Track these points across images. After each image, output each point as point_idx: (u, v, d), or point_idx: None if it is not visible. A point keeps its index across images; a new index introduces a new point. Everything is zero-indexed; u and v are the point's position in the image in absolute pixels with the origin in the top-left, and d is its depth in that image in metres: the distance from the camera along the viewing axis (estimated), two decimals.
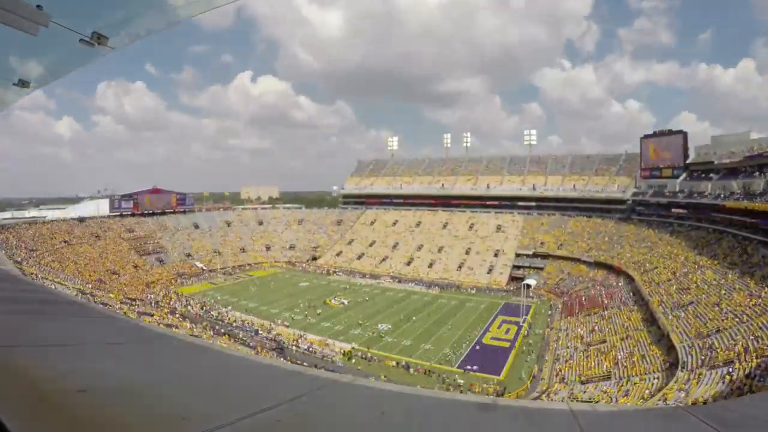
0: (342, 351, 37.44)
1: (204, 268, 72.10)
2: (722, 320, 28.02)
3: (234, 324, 44.53)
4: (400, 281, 66.42)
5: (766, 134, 53.13)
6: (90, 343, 3.26)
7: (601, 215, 72.87)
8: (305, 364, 33.55)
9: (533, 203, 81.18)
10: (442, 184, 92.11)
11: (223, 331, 41.47)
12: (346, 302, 53.34)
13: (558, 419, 2.10)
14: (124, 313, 34.75)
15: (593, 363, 31.52)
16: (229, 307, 50.39)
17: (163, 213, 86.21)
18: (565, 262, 64.08)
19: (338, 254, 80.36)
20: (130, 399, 1.96)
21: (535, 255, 68.27)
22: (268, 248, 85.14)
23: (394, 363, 35.29)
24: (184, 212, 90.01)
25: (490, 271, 66.00)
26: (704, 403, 18.66)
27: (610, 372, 29.38)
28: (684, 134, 64.40)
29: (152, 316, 39.51)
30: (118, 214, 79.36)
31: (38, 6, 3.68)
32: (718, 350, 24.52)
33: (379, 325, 44.71)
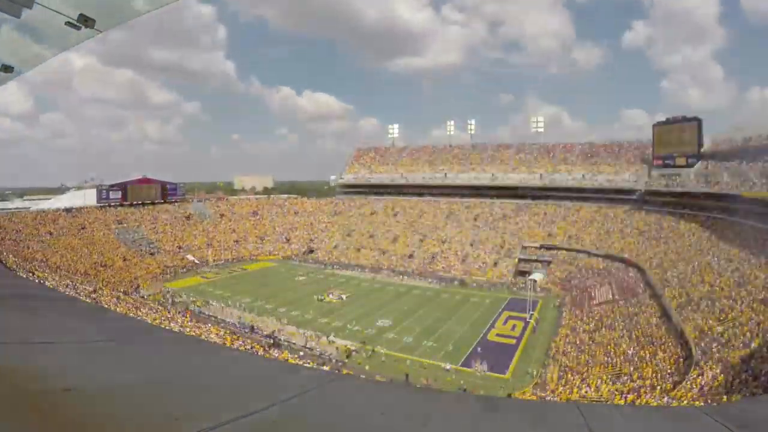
0: (340, 348, 37.58)
1: (196, 261, 72.26)
2: (739, 315, 28.06)
3: (227, 320, 44.69)
4: (401, 275, 66.56)
5: None
6: (76, 340, 3.26)
7: (611, 205, 72.71)
8: (302, 362, 33.70)
9: (540, 193, 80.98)
10: (446, 174, 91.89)
11: (215, 326, 41.60)
12: (344, 297, 53.48)
13: (566, 419, 2.10)
14: (113, 308, 34.84)
15: (603, 360, 31.62)
16: (222, 303, 50.52)
17: (153, 203, 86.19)
18: (574, 254, 64.08)
19: (336, 246, 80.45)
20: (118, 398, 1.96)
21: (542, 247, 68.27)
22: (262, 240, 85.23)
23: (395, 362, 35.41)
24: (175, 203, 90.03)
25: (495, 264, 66.07)
26: (719, 402, 18.76)
27: (620, 369, 29.49)
28: (698, 121, 64.08)
29: (142, 310, 39.60)
30: (106, 204, 79.32)
31: None
32: (735, 346, 24.58)
33: (379, 321, 44.87)
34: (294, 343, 38.60)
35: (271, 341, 38.83)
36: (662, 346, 30.43)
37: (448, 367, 33.95)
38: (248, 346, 35.04)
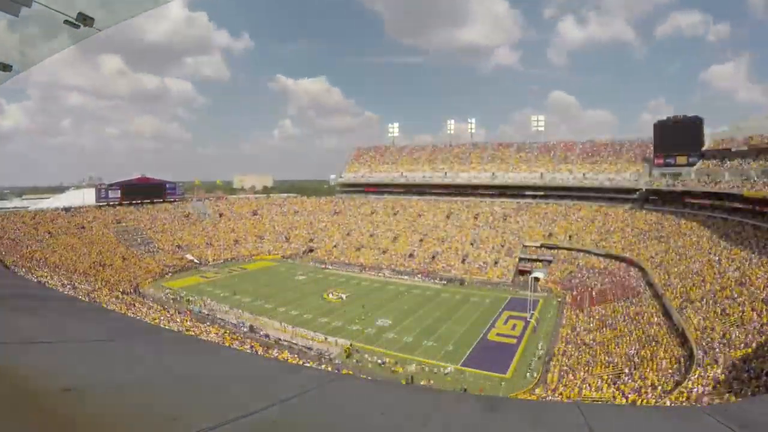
0: (340, 347, 37.60)
1: (195, 260, 72.28)
2: (740, 314, 28.08)
3: (226, 319, 44.70)
4: (401, 274, 66.59)
5: None
6: (75, 339, 3.27)
7: (612, 205, 72.77)
8: (302, 361, 33.72)
9: (541, 192, 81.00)
10: (446, 173, 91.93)
11: (215, 326, 41.63)
12: (344, 297, 53.52)
13: (567, 419, 2.10)
14: (112, 307, 34.87)
15: (604, 359, 31.65)
16: (222, 303, 50.55)
17: (152, 202, 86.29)
18: (575, 253, 64.10)
19: (336, 246, 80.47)
20: (117, 398, 1.96)
21: (543, 246, 68.30)
22: (262, 240, 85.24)
23: (394, 361, 35.41)
24: (174, 201, 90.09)
25: (495, 263, 66.07)
26: (721, 402, 18.77)
27: (621, 369, 29.51)
28: (699, 120, 64.16)
29: (141, 310, 39.62)
30: (105, 203, 79.37)
31: None
32: (737, 345, 24.59)
33: (379, 321, 44.88)
34: (293, 343, 38.55)
35: (270, 341, 38.90)
36: (663, 346, 30.46)
37: (448, 370, 33.81)
38: (248, 346, 35.12)
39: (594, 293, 48.52)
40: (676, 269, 42.70)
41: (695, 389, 21.46)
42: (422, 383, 31.40)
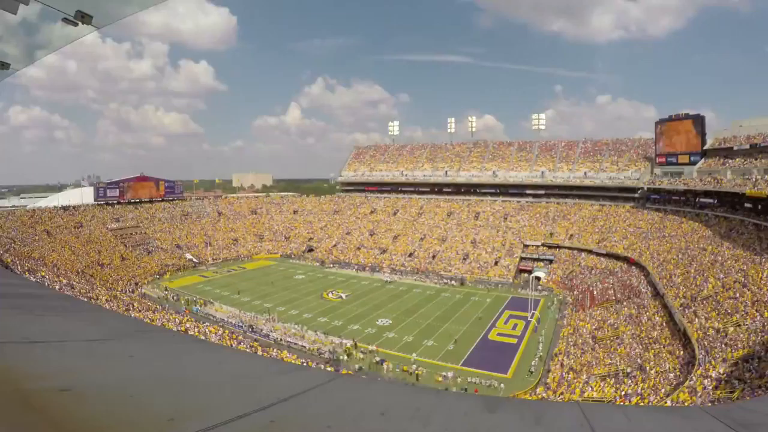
0: (341, 347, 37.62)
1: (194, 259, 72.30)
2: (743, 314, 28.08)
3: (225, 319, 44.71)
4: (401, 274, 66.60)
5: None
6: (73, 339, 3.27)
7: (614, 204, 72.78)
8: (301, 361, 33.74)
9: (542, 191, 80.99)
10: (446, 171, 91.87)
11: (214, 326, 41.63)
12: (344, 296, 53.53)
13: (568, 419, 2.10)
14: (110, 306, 34.86)
15: (605, 360, 31.67)
16: (221, 302, 50.56)
17: (151, 201, 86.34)
18: (576, 253, 64.12)
19: (335, 245, 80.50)
20: (114, 398, 1.96)
21: (544, 246, 68.30)
22: (261, 239, 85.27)
23: (394, 364, 35.42)
24: (173, 200, 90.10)
25: (496, 263, 66.09)
26: (722, 402, 18.79)
27: (622, 369, 29.52)
28: (701, 118, 64.06)
29: (140, 309, 39.63)
30: (104, 202, 79.35)
31: None
32: (739, 346, 24.60)
33: (379, 320, 44.90)
34: (292, 343, 38.59)
35: (270, 341, 38.94)
36: (665, 346, 30.47)
37: (450, 374, 33.58)
38: (247, 346, 35.12)
39: (595, 293, 48.55)
40: (677, 269, 42.67)
41: (697, 389, 21.48)
42: (422, 384, 31.45)
